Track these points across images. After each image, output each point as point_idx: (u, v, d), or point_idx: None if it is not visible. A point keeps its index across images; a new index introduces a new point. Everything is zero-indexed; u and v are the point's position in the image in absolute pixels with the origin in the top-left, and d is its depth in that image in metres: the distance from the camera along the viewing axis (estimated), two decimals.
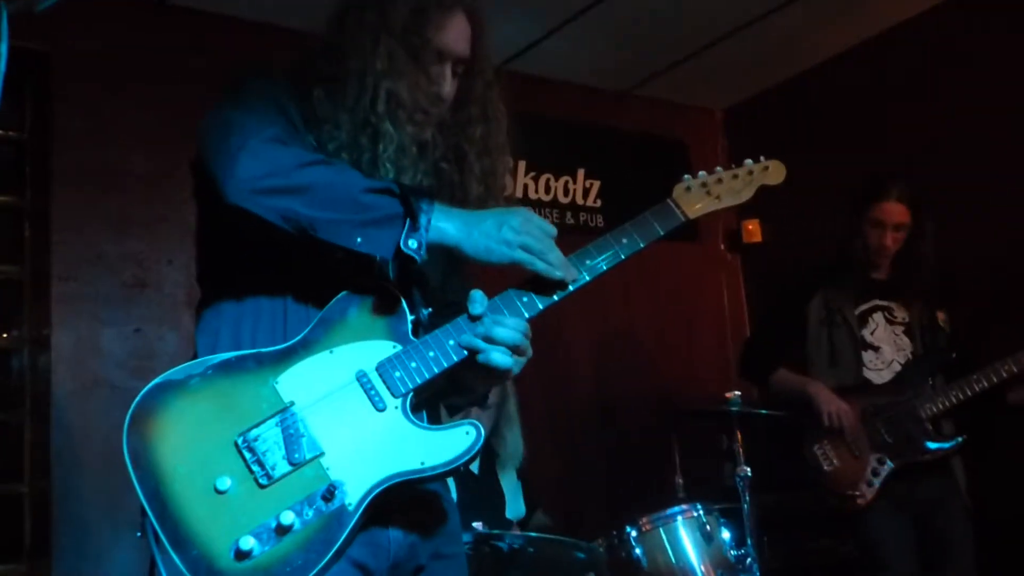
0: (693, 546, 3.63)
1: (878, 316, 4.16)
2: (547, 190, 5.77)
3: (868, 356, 4.11)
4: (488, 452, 4.13)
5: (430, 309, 2.08)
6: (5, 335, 4.37)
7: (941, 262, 4.17)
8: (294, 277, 2.00)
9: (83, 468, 4.08)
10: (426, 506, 2.06)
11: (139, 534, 1.81)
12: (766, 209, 6.15)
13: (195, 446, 1.82)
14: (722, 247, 6.42)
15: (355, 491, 1.82)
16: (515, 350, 1.96)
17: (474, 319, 1.95)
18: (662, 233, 2.13)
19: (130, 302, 4.35)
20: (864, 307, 4.16)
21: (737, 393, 3.92)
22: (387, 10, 2.07)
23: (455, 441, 1.88)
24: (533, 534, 3.51)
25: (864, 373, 4.08)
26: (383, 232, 1.85)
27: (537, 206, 5.68)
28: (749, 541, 3.75)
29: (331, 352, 1.92)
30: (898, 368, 4.09)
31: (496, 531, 3.43)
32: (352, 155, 2.01)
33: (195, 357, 1.97)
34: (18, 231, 4.37)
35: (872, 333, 4.13)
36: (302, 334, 1.93)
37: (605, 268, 2.08)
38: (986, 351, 4.08)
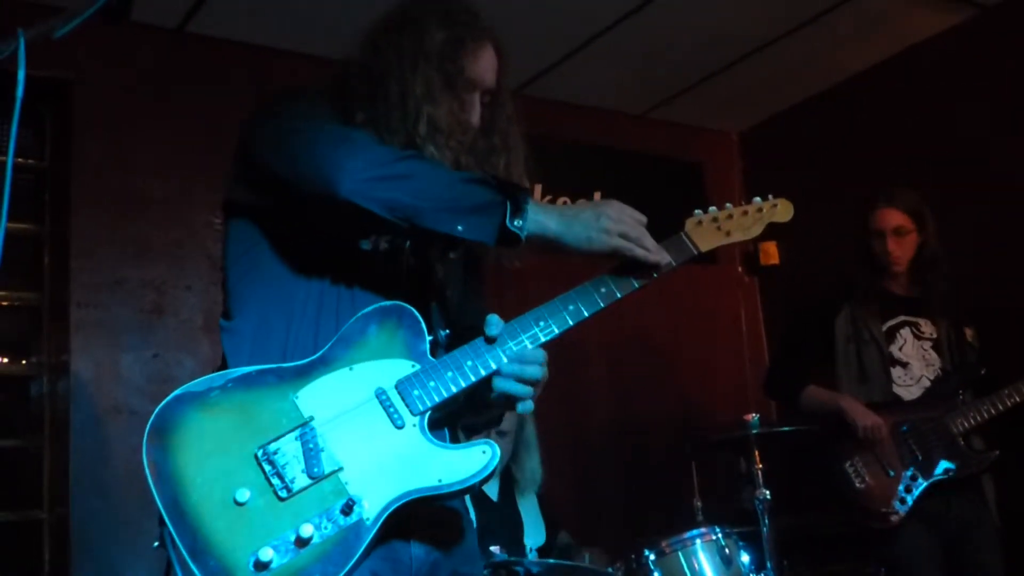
0: (712, 570, 3.61)
1: (905, 332, 4.13)
2: None
3: (897, 372, 4.08)
4: (507, 478, 4.11)
5: (448, 330, 2.12)
6: (24, 361, 4.40)
7: (965, 279, 4.16)
8: (326, 292, 2.04)
9: (102, 494, 4.08)
10: (448, 525, 2.09)
11: (156, 544, 1.83)
12: (783, 231, 6.10)
13: (215, 458, 1.84)
14: (740, 269, 6.40)
15: (373, 506, 1.84)
16: (536, 384, 2.03)
17: (490, 341, 1.99)
18: (675, 265, 2.19)
19: (148, 328, 4.37)
20: (891, 323, 4.14)
21: (755, 415, 3.90)
22: (423, 37, 2.12)
23: (472, 460, 1.90)
24: (551, 560, 3.50)
25: (893, 389, 4.06)
26: (484, 218, 1.92)
27: None
28: (769, 565, 3.73)
29: (351, 369, 1.95)
30: (927, 384, 4.06)
31: (513, 557, 3.41)
32: None
33: (223, 367, 2.01)
34: (37, 258, 4.41)
35: (900, 349, 4.11)
36: (322, 351, 1.96)
37: (620, 296, 2.14)
38: (1016, 366, 4.05)
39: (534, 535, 4.07)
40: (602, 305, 2.10)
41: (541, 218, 1.96)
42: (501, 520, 4.00)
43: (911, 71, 5.50)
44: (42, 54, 1.61)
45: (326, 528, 1.80)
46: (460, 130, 2.12)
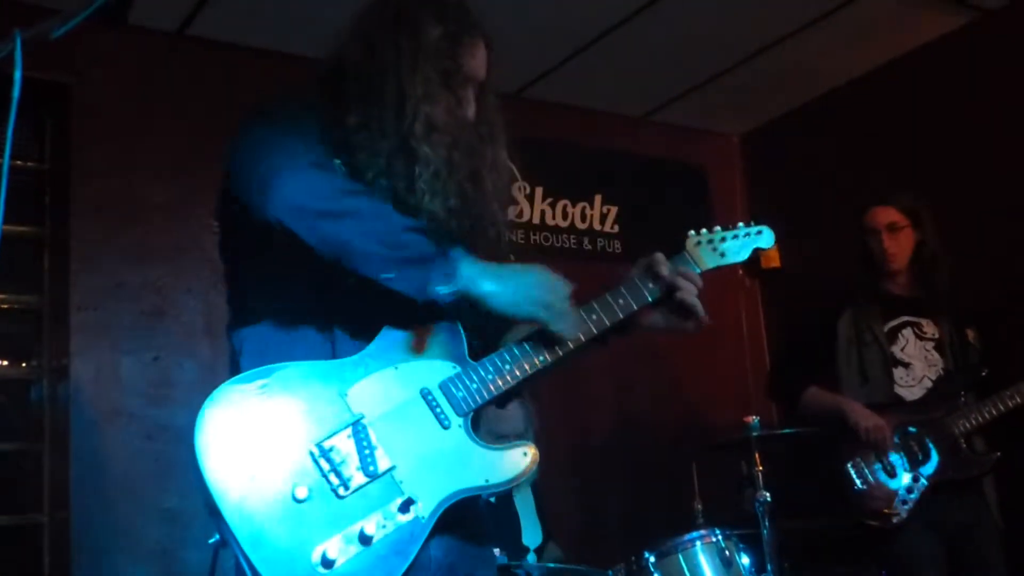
0: (712, 572, 3.60)
1: (907, 332, 4.13)
2: (564, 216, 5.77)
3: (899, 373, 4.08)
4: None
5: (480, 341, 2.14)
6: (24, 365, 4.41)
7: (967, 281, 4.16)
8: (341, 302, 2.03)
9: (102, 497, 4.08)
10: (467, 527, 2.09)
11: (213, 539, 1.84)
12: (785, 234, 6.13)
13: (270, 453, 1.85)
14: (740, 272, 6.38)
15: (427, 504, 1.90)
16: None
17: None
18: (700, 270, 2.36)
19: (149, 331, 4.36)
20: (893, 323, 4.13)
21: (756, 417, 3.90)
22: (420, 35, 2.12)
23: (515, 461, 2.00)
24: (551, 564, 3.49)
25: (895, 390, 4.05)
26: (416, 272, 1.91)
27: (554, 232, 5.69)
28: (769, 567, 3.72)
29: (396, 368, 1.99)
30: (929, 384, 4.05)
31: (514, 562, 3.41)
32: (389, 180, 2.04)
33: (233, 371, 2.01)
34: (37, 261, 4.41)
35: (903, 349, 4.10)
36: (365, 350, 1.99)
37: (622, 315, 2.22)
38: (1017, 368, 4.04)
39: (531, 534, 4.06)
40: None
41: (473, 277, 1.95)
42: (500, 521, 4.00)
43: (913, 75, 5.49)
44: (43, 57, 1.62)
45: (386, 526, 1.84)
46: (456, 127, 2.11)
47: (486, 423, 3.94)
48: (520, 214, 5.61)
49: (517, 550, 3.87)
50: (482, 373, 2.03)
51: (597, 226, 5.86)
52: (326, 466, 1.85)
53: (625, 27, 5.01)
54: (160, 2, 4.39)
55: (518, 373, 2.05)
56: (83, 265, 4.27)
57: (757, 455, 3.88)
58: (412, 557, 1.84)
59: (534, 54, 5.26)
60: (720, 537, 3.65)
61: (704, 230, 2.40)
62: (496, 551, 3.41)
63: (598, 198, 5.89)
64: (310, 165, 1.94)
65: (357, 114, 2.07)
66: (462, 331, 2.06)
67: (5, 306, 4.42)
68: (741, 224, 2.47)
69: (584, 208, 5.85)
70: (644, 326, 2.32)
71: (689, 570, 3.60)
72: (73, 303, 4.23)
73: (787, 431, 4.03)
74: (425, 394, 1.98)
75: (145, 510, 4.09)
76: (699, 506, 4.13)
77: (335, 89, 2.12)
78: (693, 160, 6.35)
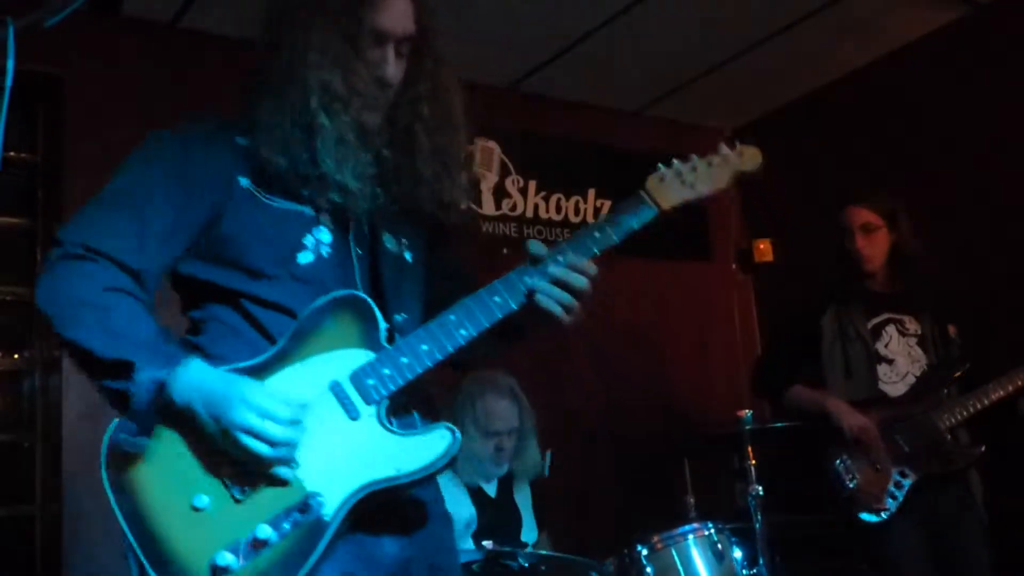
0: (704, 565, 3.61)
1: (891, 329, 4.14)
2: (558, 210, 5.78)
3: (883, 369, 4.09)
4: (507, 475, 4.13)
5: (405, 315, 2.06)
6: (16, 356, 4.39)
7: (952, 276, 4.17)
8: (269, 293, 1.97)
9: (94, 489, 4.04)
10: (420, 518, 2.04)
11: (125, 556, 1.83)
12: (778, 229, 6.15)
13: (172, 464, 1.82)
14: (734, 267, 6.40)
15: (331, 502, 1.82)
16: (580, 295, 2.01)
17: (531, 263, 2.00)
18: (636, 227, 2.10)
19: None
20: (876, 320, 4.14)
21: (748, 411, 3.90)
22: None
23: (430, 446, 1.88)
24: (544, 552, 3.50)
25: (880, 386, 4.06)
26: (114, 383, 1.82)
27: (548, 226, 5.70)
28: (761, 560, 3.73)
29: (304, 363, 1.91)
30: (913, 380, 4.07)
31: (506, 548, 3.40)
32: (287, 154, 1.96)
33: None
34: (30, 253, 4.39)
35: (886, 346, 4.11)
36: (276, 347, 1.91)
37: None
38: (999, 361, 4.06)
39: (530, 530, 4.07)
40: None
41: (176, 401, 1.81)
42: (500, 517, 4.01)
43: (905, 69, 5.50)
44: (34, 49, 1.61)
45: (285, 527, 1.79)
46: (368, 89, 2.01)
47: (475, 421, 3.96)
48: (514, 207, 5.61)
49: (515, 546, 3.88)
50: (396, 357, 1.91)
51: (591, 220, 5.86)
52: (226, 472, 1.81)
53: (618, 22, 5.00)
54: None
55: (437, 353, 1.93)
56: None
57: (750, 449, 3.88)
58: (313, 557, 1.77)
59: (528, 48, 5.26)
60: (713, 531, 3.66)
61: (675, 161, 2.17)
62: (488, 544, 3.41)
63: (591, 192, 5.90)
64: (74, 259, 1.90)
65: (258, 90, 2.02)
66: (378, 316, 1.94)
67: None
68: (722, 146, 2.24)
69: (578, 202, 5.86)
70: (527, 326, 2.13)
71: (681, 563, 3.60)
72: None
73: (780, 425, 4.04)
74: (333, 386, 1.89)
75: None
76: (691, 500, 4.14)
77: (255, 71, 2.07)
78: (686, 154, 6.32)
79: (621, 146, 6.06)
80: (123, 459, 1.82)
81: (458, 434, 1.88)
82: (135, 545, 1.78)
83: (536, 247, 2.01)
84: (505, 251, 5.41)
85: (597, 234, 2.07)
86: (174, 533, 1.78)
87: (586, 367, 5.57)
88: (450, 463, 1.88)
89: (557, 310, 2.00)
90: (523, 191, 5.67)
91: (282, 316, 1.94)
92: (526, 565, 3.26)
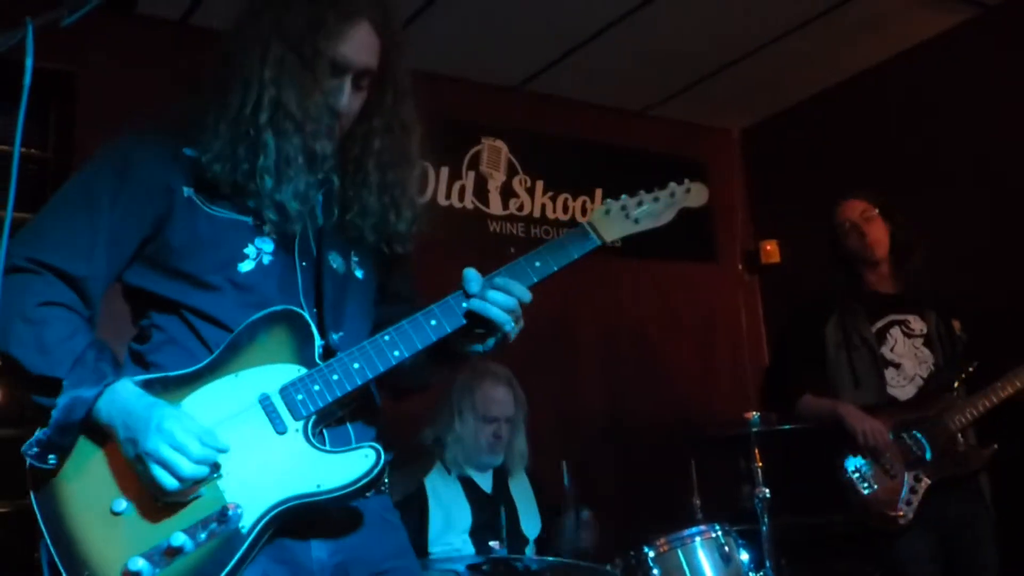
0: (711, 567, 3.60)
1: (895, 331, 4.12)
2: (565, 209, 5.78)
3: (890, 373, 4.07)
4: (500, 470, 4.13)
5: (341, 333, 2.05)
6: None
7: (958, 272, 4.16)
8: (209, 304, 1.97)
9: None
10: (357, 524, 2.02)
11: (37, 554, 1.83)
12: (784, 230, 6.14)
13: (95, 468, 1.84)
14: (740, 268, 6.40)
15: (250, 514, 1.82)
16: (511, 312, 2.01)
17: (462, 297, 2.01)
18: (576, 256, 2.12)
19: None
20: (880, 324, 4.13)
21: (756, 413, 3.90)
22: (282, 18, 2.01)
23: (353, 464, 1.88)
24: (550, 558, 3.49)
25: (888, 391, 4.05)
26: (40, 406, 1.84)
27: (555, 226, 5.70)
28: (768, 563, 3.73)
29: (236, 376, 1.92)
30: (921, 382, 4.05)
31: (514, 555, 3.40)
32: (227, 165, 1.97)
33: None
34: None
35: (892, 349, 4.10)
36: (210, 358, 1.92)
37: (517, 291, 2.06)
38: (1005, 358, 4.05)
39: (531, 523, 4.06)
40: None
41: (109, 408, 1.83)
42: (496, 513, 4.00)
43: (914, 69, 5.50)
44: (47, 45, 1.61)
45: (201, 537, 1.79)
46: (320, 115, 2.01)
47: (472, 408, 3.96)
48: (521, 207, 5.62)
49: (517, 539, 3.88)
50: (327, 374, 1.92)
51: None
52: (141, 473, 1.79)
53: (626, 21, 5.01)
54: None
55: (368, 372, 1.94)
56: None
57: (757, 451, 3.88)
58: (228, 568, 1.76)
59: (535, 48, 5.26)
60: (720, 533, 3.66)
61: (623, 196, 2.21)
62: (495, 544, 3.41)
63: (599, 192, 5.89)
64: (28, 270, 1.92)
65: (208, 98, 2.03)
66: (314, 332, 1.96)
67: None
68: (672, 183, 2.25)
69: (585, 202, 5.86)
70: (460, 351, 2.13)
71: (688, 566, 3.60)
72: None
73: (787, 427, 4.02)
74: (263, 400, 1.90)
75: None
76: (697, 502, 4.14)
77: (206, 74, 2.09)
78: (693, 155, 6.34)
79: (629, 146, 6.06)
80: (42, 473, 1.84)
81: (382, 453, 1.89)
82: (50, 546, 1.78)
83: (472, 275, 2.02)
84: (512, 250, 5.41)
85: (538, 263, 2.08)
86: (90, 536, 1.79)
87: (592, 368, 5.57)
88: (373, 483, 1.88)
89: (502, 317, 2.01)
90: (530, 191, 5.68)
91: (220, 328, 1.96)
92: (532, 568, 3.26)
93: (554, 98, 5.79)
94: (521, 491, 4.15)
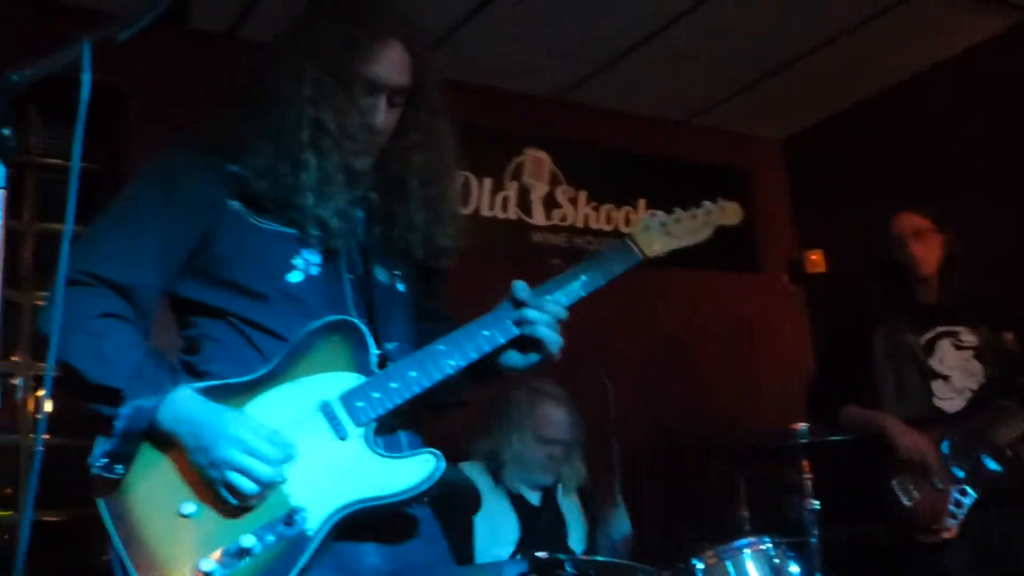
0: None
1: (944, 343, 4.07)
2: (608, 220, 5.78)
3: (937, 386, 4.02)
4: (551, 486, 4.13)
5: (395, 343, 2.10)
6: None
7: (1008, 284, 4.11)
8: (259, 313, 2.02)
9: None
10: (408, 533, 2.07)
11: (105, 557, 1.87)
12: (830, 239, 6.09)
13: (163, 472, 1.89)
14: (785, 278, 6.35)
15: (315, 517, 1.87)
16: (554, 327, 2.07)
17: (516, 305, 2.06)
18: (622, 271, 2.18)
19: None
20: (929, 335, 4.08)
21: (804, 424, 3.86)
22: (319, 38, 2.08)
23: (415, 469, 1.93)
24: (599, 558, 3.48)
25: (935, 403, 4.00)
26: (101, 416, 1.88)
27: (598, 236, 5.70)
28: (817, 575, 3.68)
29: (296, 383, 1.97)
30: (970, 395, 4.00)
31: (562, 555, 3.39)
32: (270, 180, 2.02)
33: None
34: None
35: (941, 362, 4.05)
36: (270, 366, 1.97)
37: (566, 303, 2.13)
38: None
39: (577, 538, 4.05)
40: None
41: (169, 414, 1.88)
42: (543, 525, 4.00)
43: (959, 77, 5.45)
44: (95, 59, 1.64)
45: (269, 539, 1.84)
46: (358, 133, 2.08)
47: (531, 427, 3.96)
48: (564, 218, 5.62)
49: (564, 553, 3.86)
50: (385, 382, 1.97)
51: None
52: (216, 480, 1.85)
53: (667, 31, 5.01)
54: (210, 4, 4.45)
55: (425, 381, 1.99)
56: None
57: (806, 463, 3.84)
58: (296, 568, 1.82)
59: (576, 58, 5.27)
60: (770, 545, 3.62)
61: (660, 212, 2.29)
62: (542, 555, 3.40)
63: (642, 202, 5.89)
64: (87, 282, 1.96)
65: (249, 115, 2.08)
66: (370, 342, 2.00)
67: None
68: (707, 202, 2.33)
69: (628, 212, 5.85)
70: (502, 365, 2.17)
71: None
72: None
73: (836, 438, 3.98)
74: (324, 407, 1.95)
75: None
76: (745, 513, 4.10)
77: (244, 91, 2.17)
78: (736, 164, 6.31)
79: (671, 156, 6.05)
80: (108, 480, 1.88)
81: (443, 460, 1.93)
82: (120, 548, 1.83)
83: (521, 288, 2.07)
84: (556, 261, 5.41)
85: (584, 277, 2.14)
86: (160, 539, 1.84)
87: (635, 379, 5.54)
88: (433, 487, 1.93)
89: (550, 337, 2.07)
90: (573, 201, 5.68)
91: (272, 337, 2.01)
92: (580, 571, 3.25)
93: (597, 108, 5.79)
94: (569, 506, 4.14)
